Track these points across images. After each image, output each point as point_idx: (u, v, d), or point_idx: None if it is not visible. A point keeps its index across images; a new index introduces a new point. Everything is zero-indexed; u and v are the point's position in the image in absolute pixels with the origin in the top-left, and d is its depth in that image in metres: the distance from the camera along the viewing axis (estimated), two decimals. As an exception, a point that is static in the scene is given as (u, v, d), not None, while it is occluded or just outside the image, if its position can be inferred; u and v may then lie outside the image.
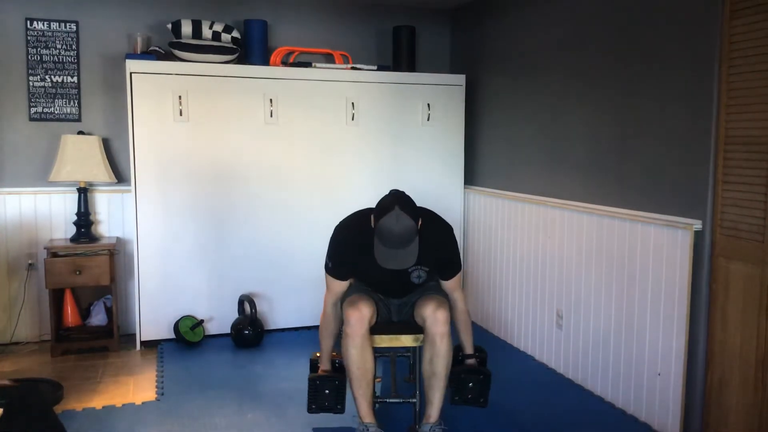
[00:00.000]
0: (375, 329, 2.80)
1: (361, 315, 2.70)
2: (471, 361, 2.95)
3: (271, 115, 4.33)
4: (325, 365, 2.92)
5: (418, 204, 2.69)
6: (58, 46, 4.22)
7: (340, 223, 2.86)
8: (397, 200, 2.54)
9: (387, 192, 2.70)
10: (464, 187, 4.85)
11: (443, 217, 2.92)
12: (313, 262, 4.48)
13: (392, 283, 2.87)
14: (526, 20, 4.09)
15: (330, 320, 2.87)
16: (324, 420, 3.13)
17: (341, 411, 2.89)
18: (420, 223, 2.58)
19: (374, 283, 2.91)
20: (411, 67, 4.74)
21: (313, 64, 4.50)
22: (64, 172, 4.03)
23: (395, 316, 2.99)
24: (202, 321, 4.22)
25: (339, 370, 2.91)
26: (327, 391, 2.84)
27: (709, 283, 2.82)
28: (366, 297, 2.81)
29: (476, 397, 2.90)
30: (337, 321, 2.88)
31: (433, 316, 2.71)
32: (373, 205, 2.68)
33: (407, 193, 2.70)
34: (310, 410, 2.88)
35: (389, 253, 2.53)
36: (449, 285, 2.87)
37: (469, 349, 2.95)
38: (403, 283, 2.85)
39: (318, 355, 2.98)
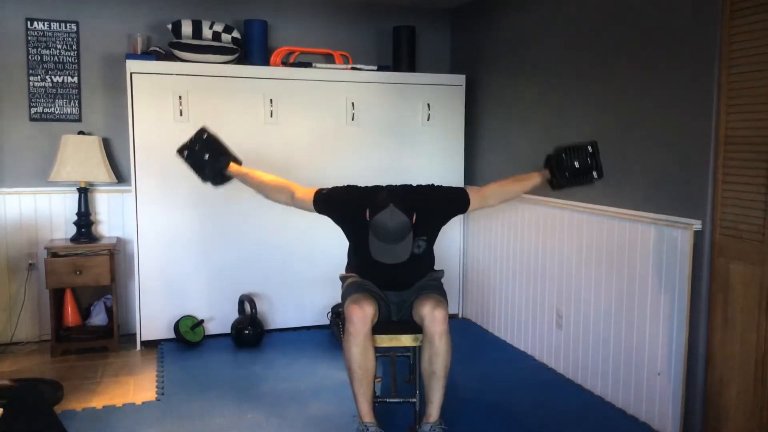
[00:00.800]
0: (375, 329, 2.80)
1: (364, 314, 2.70)
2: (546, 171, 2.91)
3: (272, 115, 4.33)
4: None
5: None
6: (59, 47, 4.22)
7: (352, 185, 2.97)
8: (391, 196, 2.62)
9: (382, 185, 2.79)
10: (464, 187, 4.84)
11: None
12: (314, 262, 4.48)
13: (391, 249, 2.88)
14: (526, 20, 4.09)
15: (272, 179, 2.98)
16: (325, 420, 3.13)
17: (203, 176, 2.96)
18: (414, 217, 2.66)
19: (370, 252, 2.87)
20: (411, 67, 4.74)
21: (313, 65, 4.50)
22: (64, 172, 4.03)
23: (395, 315, 2.99)
24: (202, 321, 4.22)
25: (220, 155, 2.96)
26: (206, 156, 2.93)
27: (709, 283, 2.83)
28: (368, 296, 2.81)
29: (588, 169, 2.80)
30: (272, 186, 2.96)
31: (431, 315, 2.71)
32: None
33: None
34: (179, 150, 2.96)
35: (384, 248, 2.60)
36: (473, 197, 2.90)
37: (537, 173, 2.92)
38: (402, 276, 2.89)
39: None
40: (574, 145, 2.86)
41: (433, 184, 3.01)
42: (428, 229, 2.88)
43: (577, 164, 2.80)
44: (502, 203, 3.03)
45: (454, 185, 3.00)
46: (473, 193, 2.94)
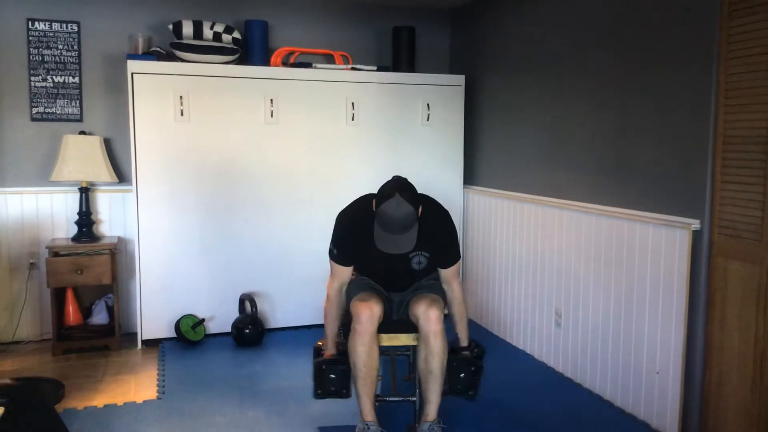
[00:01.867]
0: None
1: (371, 313, 2.71)
2: (466, 353, 2.94)
3: (272, 116, 4.34)
4: (330, 350, 2.92)
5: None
6: (60, 47, 4.23)
7: (343, 210, 2.91)
8: (398, 186, 2.60)
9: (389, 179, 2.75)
10: (464, 187, 4.86)
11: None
12: (314, 261, 4.49)
13: (394, 270, 2.89)
14: (526, 20, 4.10)
15: (334, 305, 2.90)
16: (325, 418, 3.14)
17: (347, 395, 2.88)
18: (420, 210, 2.64)
19: (376, 270, 2.92)
20: (411, 68, 4.75)
21: (314, 65, 4.51)
22: (65, 172, 4.04)
23: (395, 314, 3.00)
24: (203, 320, 4.23)
25: (343, 355, 2.88)
26: (333, 376, 2.84)
27: (708, 283, 2.84)
28: (376, 295, 2.82)
29: (465, 388, 2.89)
30: (341, 307, 2.91)
31: (426, 314, 2.72)
32: (375, 192, 2.73)
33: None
34: (316, 395, 2.88)
35: (389, 238, 2.59)
36: (447, 274, 2.90)
37: (464, 341, 2.96)
38: (404, 269, 2.87)
39: (322, 342, 2.98)
40: (469, 359, 2.90)
41: (452, 228, 2.94)
42: (431, 249, 2.84)
43: (462, 375, 2.88)
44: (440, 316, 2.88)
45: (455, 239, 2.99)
46: (453, 273, 2.90)
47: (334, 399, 2.92)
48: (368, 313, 2.70)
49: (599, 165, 3.44)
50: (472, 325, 4.70)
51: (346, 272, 2.89)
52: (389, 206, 2.54)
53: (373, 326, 2.72)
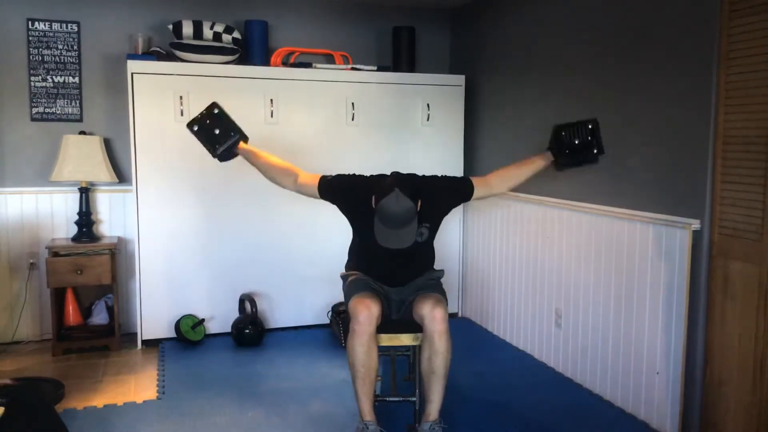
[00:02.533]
0: (377, 328, 2.81)
1: (370, 313, 2.71)
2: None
3: (272, 116, 4.34)
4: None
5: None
6: (60, 47, 4.23)
7: (355, 173, 3.02)
8: (396, 182, 2.64)
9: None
10: (468, 177, 4.85)
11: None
12: (314, 261, 4.49)
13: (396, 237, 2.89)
14: (526, 20, 4.10)
15: (282, 164, 3.02)
16: (325, 418, 3.14)
17: (213, 150, 3.02)
18: (420, 203, 2.69)
19: (377, 238, 2.85)
20: (411, 68, 4.75)
21: (314, 65, 4.51)
22: (65, 172, 4.04)
23: (395, 314, 3.00)
24: (203, 320, 4.23)
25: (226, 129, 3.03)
26: (217, 132, 2.98)
27: (708, 283, 2.84)
28: (374, 295, 2.82)
29: (588, 143, 2.77)
30: (280, 170, 3.01)
31: (431, 314, 2.72)
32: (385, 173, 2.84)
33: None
34: (190, 123, 3.01)
35: (389, 233, 2.63)
36: (477, 184, 2.95)
37: (541, 156, 2.94)
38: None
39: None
40: (574, 122, 2.85)
41: (437, 175, 3.06)
42: (431, 216, 2.92)
43: (576, 141, 2.78)
44: (509, 189, 3.05)
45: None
46: (477, 180, 2.98)
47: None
48: (366, 313, 2.70)
49: (599, 165, 3.42)
50: (472, 325, 4.70)
51: (312, 189, 2.93)
52: (389, 201, 2.58)
53: (372, 326, 2.72)
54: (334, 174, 2.98)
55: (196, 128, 3.01)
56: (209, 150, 3.03)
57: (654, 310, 3.06)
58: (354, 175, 3.01)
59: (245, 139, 3.07)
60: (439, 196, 2.92)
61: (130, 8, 4.36)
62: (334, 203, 2.96)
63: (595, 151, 2.81)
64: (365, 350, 2.72)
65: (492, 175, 3.02)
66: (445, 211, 3.00)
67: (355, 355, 2.72)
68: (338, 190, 2.92)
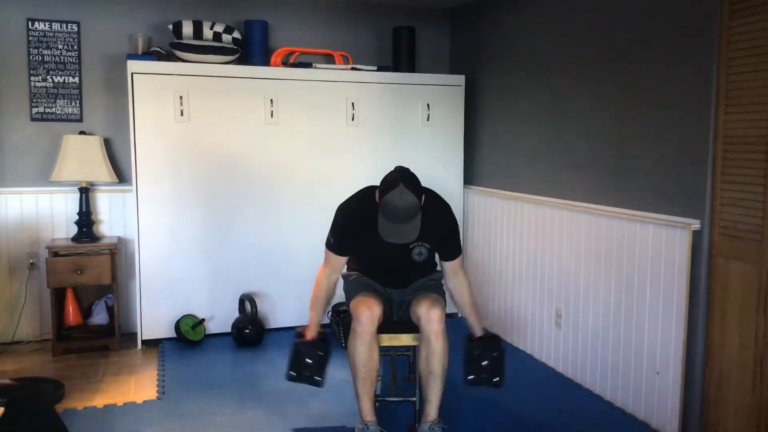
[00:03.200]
0: (377, 328, 2.81)
1: (372, 314, 2.71)
2: (482, 339, 2.93)
3: (272, 116, 4.34)
4: (311, 333, 2.88)
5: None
6: (60, 47, 4.23)
7: (344, 201, 2.92)
8: (401, 177, 2.63)
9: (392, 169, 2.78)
10: (464, 187, 4.87)
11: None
12: (314, 261, 4.47)
13: (394, 260, 2.90)
14: (526, 20, 4.10)
15: (323, 290, 2.90)
16: (325, 418, 3.14)
17: (320, 384, 2.83)
18: (423, 200, 2.67)
19: (376, 260, 2.92)
20: (411, 68, 4.75)
21: (314, 65, 4.51)
22: (65, 172, 4.04)
23: (395, 315, 3.00)
24: (203, 320, 4.23)
25: (323, 342, 2.88)
26: (309, 361, 2.81)
27: (708, 283, 2.84)
28: (376, 295, 2.82)
29: (490, 376, 2.83)
30: (329, 293, 2.92)
31: (427, 314, 2.72)
32: (376, 184, 2.77)
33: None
34: (289, 377, 2.84)
35: (393, 228, 2.62)
36: (452, 266, 2.92)
37: (478, 331, 2.94)
38: (404, 260, 2.89)
39: (303, 328, 2.95)
40: (489, 343, 2.88)
41: (455, 220, 2.97)
42: (431, 240, 2.87)
43: (484, 363, 2.83)
44: (451, 297, 2.98)
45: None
46: (457, 264, 2.92)
47: (306, 385, 2.87)
48: (368, 313, 2.70)
49: (599, 165, 3.44)
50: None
51: (339, 262, 2.91)
52: (393, 196, 2.56)
53: (373, 327, 2.72)
54: (328, 236, 2.89)
55: (302, 348, 2.85)
56: (290, 366, 2.85)
57: (654, 310, 3.06)
58: (335, 222, 2.90)
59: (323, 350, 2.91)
60: (440, 233, 2.87)
61: (130, 8, 4.36)
62: (353, 253, 2.94)
63: (495, 379, 2.83)
64: (367, 350, 2.72)
65: (463, 280, 2.95)
66: (436, 246, 2.92)
67: (356, 356, 2.73)
68: (344, 242, 2.86)
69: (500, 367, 2.86)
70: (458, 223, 3.04)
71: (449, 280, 2.95)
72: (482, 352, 2.85)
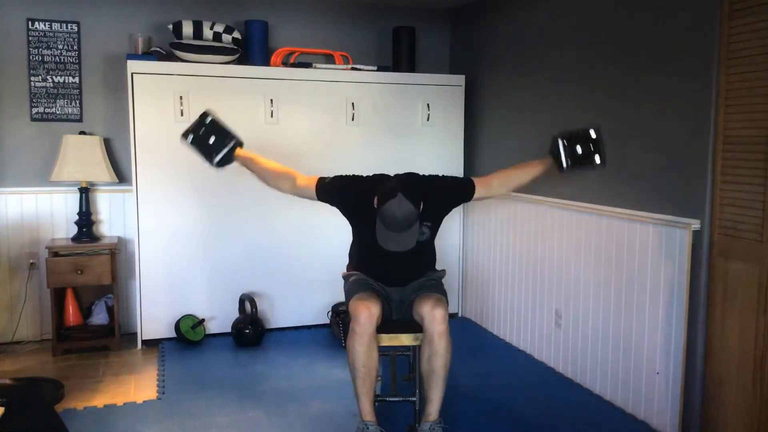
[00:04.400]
0: (377, 328, 2.81)
1: (370, 313, 2.71)
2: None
3: (272, 116, 4.35)
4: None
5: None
6: (60, 47, 4.23)
7: (356, 174, 3.02)
8: (399, 185, 2.67)
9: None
10: (470, 177, 4.85)
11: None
12: (314, 261, 4.49)
13: (396, 240, 2.91)
14: (526, 20, 4.10)
15: (278, 171, 3.00)
16: (325, 418, 3.14)
17: (210, 159, 3.00)
18: (422, 206, 2.71)
19: (377, 238, 2.84)
20: (411, 68, 4.75)
21: (314, 65, 4.51)
22: (65, 172, 4.04)
23: (395, 314, 3.00)
24: (203, 320, 4.23)
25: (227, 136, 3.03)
26: (213, 138, 2.97)
27: (708, 283, 2.84)
28: (374, 295, 2.82)
29: (591, 152, 2.78)
30: (284, 174, 2.99)
31: (431, 314, 2.72)
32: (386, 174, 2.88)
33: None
34: (184, 134, 2.99)
35: (390, 236, 2.65)
36: (479, 185, 2.96)
37: (546, 159, 2.93)
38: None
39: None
40: (577, 130, 2.86)
41: (438, 174, 3.07)
42: (433, 216, 2.94)
43: (579, 150, 2.80)
44: (509, 191, 3.07)
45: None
46: (479, 181, 2.99)
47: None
48: (366, 313, 2.70)
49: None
50: (472, 325, 4.70)
51: (311, 192, 2.93)
52: (392, 206, 2.59)
53: (372, 326, 2.72)
54: (332, 176, 2.98)
55: (190, 138, 3.00)
56: (206, 159, 3.02)
57: (654, 310, 3.06)
58: (353, 176, 3.01)
59: (241, 144, 3.06)
60: (440, 195, 2.94)
61: (130, 8, 4.36)
62: (333, 205, 2.97)
63: (597, 160, 2.82)
64: (365, 350, 2.72)
65: (493, 176, 3.03)
66: (446, 211, 3.01)
67: (355, 356, 2.73)
68: (337, 191, 2.92)
69: (599, 145, 2.79)
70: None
71: (492, 191, 3.00)
72: (573, 137, 2.81)
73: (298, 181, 2.95)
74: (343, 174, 3.01)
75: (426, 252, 3.01)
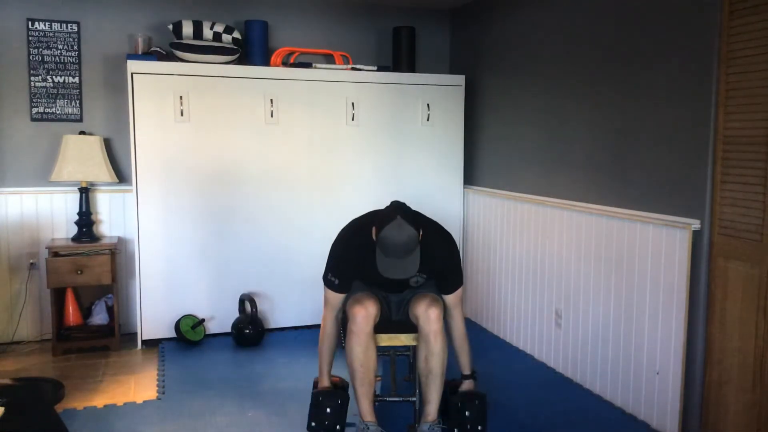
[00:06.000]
0: (376, 328, 2.81)
1: (367, 313, 2.70)
2: (468, 383, 2.88)
3: (272, 116, 4.35)
4: (324, 382, 2.84)
5: (421, 210, 2.69)
6: (60, 47, 4.23)
7: (339, 234, 2.85)
8: (398, 210, 2.55)
9: (387, 204, 2.69)
10: (464, 187, 4.87)
11: (444, 216, 2.94)
12: (314, 261, 4.49)
13: (391, 288, 2.92)
14: (526, 20, 4.10)
15: (330, 335, 2.83)
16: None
17: (341, 431, 2.78)
18: (421, 233, 2.60)
19: (373, 285, 2.92)
20: (411, 68, 4.75)
21: (314, 65, 4.51)
22: (65, 172, 4.04)
23: (394, 315, 3.00)
24: (203, 320, 4.23)
25: (340, 389, 2.84)
26: (328, 410, 2.74)
27: (708, 283, 2.84)
28: (372, 295, 2.82)
29: (474, 426, 2.75)
30: (336, 337, 2.85)
31: (426, 314, 2.71)
32: (372, 207, 2.71)
33: (407, 202, 2.72)
34: (309, 428, 2.77)
35: (392, 263, 2.54)
36: (449, 300, 2.83)
37: (466, 368, 2.88)
38: (402, 288, 2.91)
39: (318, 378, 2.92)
40: (470, 393, 2.83)
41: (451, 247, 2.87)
42: (428, 271, 2.79)
43: (468, 414, 2.76)
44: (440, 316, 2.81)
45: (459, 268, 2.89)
46: (455, 299, 2.83)
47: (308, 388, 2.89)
48: (363, 313, 2.70)
49: (599, 165, 3.44)
50: (472, 325, 4.70)
51: (340, 299, 2.83)
52: (391, 230, 2.47)
53: (369, 326, 2.71)
54: (328, 275, 2.80)
55: (320, 398, 2.78)
56: (310, 418, 2.79)
57: (654, 310, 3.06)
58: (336, 260, 2.81)
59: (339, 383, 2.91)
60: (440, 265, 2.79)
61: (130, 8, 4.36)
62: (355, 279, 2.85)
63: (479, 428, 2.77)
64: (363, 350, 2.72)
65: (456, 325, 2.86)
66: (436, 277, 2.85)
67: (353, 356, 2.72)
68: (343, 275, 2.78)
69: (483, 417, 2.76)
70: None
71: (447, 313, 2.86)
72: (464, 404, 2.76)
73: (331, 315, 2.82)
74: (328, 262, 2.82)
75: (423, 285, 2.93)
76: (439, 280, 2.84)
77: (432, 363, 2.74)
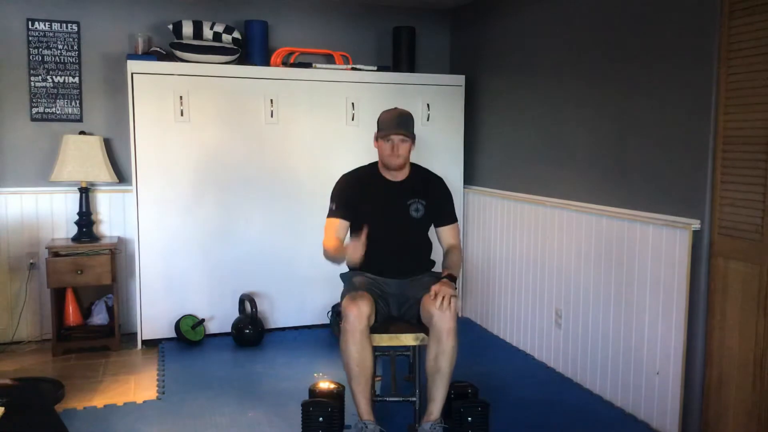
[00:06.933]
0: (375, 328, 2.80)
1: (359, 311, 2.69)
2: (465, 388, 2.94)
3: (272, 116, 4.35)
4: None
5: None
6: (60, 47, 4.23)
7: (344, 174, 3.13)
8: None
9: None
10: (464, 187, 4.87)
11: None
12: (314, 261, 4.46)
13: (392, 221, 2.97)
14: (526, 20, 4.10)
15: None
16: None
17: None
18: (414, 143, 3.01)
19: (374, 225, 2.84)
20: (411, 68, 4.75)
21: (314, 65, 4.51)
22: (65, 172, 4.04)
23: (395, 310, 2.98)
24: (203, 320, 4.23)
25: (331, 397, 2.85)
26: (320, 419, 2.75)
27: (708, 283, 2.84)
28: (365, 293, 2.80)
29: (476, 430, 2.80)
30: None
31: (440, 311, 2.67)
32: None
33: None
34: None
35: (392, 120, 2.90)
36: (448, 233, 3.03)
37: (447, 271, 2.91)
38: (403, 218, 2.98)
39: (316, 384, 2.94)
40: (473, 401, 2.87)
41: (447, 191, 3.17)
42: (426, 197, 3.01)
43: (470, 420, 2.80)
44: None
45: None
46: (453, 232, 3.07)
47: (305, 386, 2.95)
48: (356, 311, 2.68)
49: (599, 165, 3.44)
50: (473, 325, 4.70)
51: (342, 226, 2.96)
52: (390, 109, 2.97)
53: (362, 324, 2.69)
54: (330, 206, 3.02)
55: (311, 409, 2.77)
56: (303, 428, 2.77)
57: (654, 310, 3.06)
58: (341, 190, 3.05)
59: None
60: (434, 193, 3.06)
61: (130, 8, 4.36)
62: (357, 212, 2.97)
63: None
64: (357, 349, 2.70)
65: (454, 244, 3.05)
66: (435, 208, 3.05)
67: (348, 355, 2.71)
68: (345, 210, 2.97)
69: (485, 422, 2.83)
70: (457, 228, 3.09)
71: (444, 249, 3.05)
72: (467, 410, 2.80)
73: (332, 242, 2.90)
74: (331, 195, 3.05)
75: (421, 238, 3.05)
76: (436, 211, 3.04)
77: (441, 362, 2.71)
